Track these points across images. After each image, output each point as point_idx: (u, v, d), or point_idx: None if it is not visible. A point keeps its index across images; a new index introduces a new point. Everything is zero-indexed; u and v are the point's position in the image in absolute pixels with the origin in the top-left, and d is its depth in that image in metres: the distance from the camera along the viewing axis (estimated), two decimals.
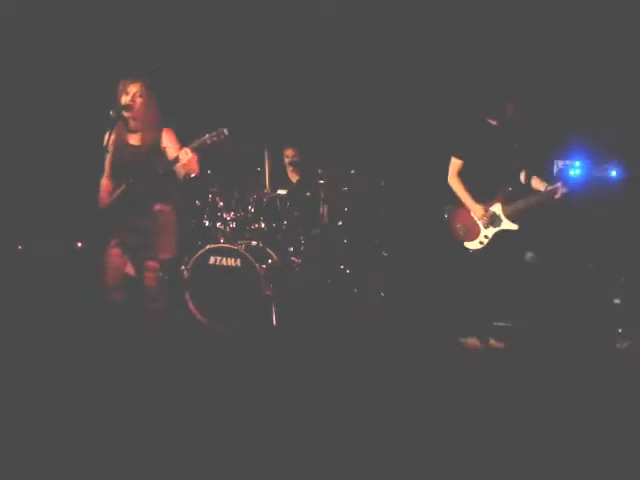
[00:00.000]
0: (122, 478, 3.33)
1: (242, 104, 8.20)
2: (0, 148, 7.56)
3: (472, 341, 5.76)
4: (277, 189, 7.19)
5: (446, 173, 5.88)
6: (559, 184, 5.42)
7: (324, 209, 7.16)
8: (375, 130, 7.91)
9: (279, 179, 7.54)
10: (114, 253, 4.81)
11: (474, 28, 7.40)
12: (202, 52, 8.00)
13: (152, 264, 4.80)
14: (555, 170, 6.47)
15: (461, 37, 7.50)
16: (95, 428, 3.79)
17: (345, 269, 7.10)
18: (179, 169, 4.71)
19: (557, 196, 5.40)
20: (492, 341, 5.68)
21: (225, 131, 4.62)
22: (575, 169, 6.11)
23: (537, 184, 5.69)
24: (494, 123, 5.63)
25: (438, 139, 7.55)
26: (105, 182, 4.87)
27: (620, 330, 6.17)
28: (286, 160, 7.60)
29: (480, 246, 5.68)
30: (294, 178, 7.67)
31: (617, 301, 6.29)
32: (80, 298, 6.04)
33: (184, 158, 4.57)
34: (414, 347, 5.87)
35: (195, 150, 4.59)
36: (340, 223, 7.28)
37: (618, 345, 5.95)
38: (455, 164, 5.74)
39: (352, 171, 7.19)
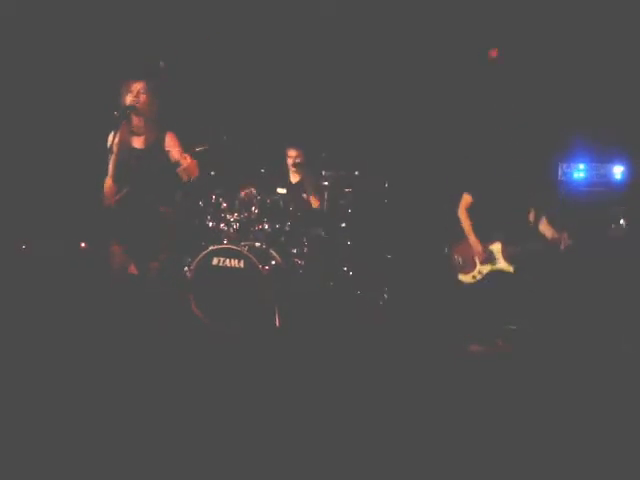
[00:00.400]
0: (127, 477, 3.32)
1: (246, 105, 8.22)
2: (4, 149, 7.57)
3: (475, 347, 5.77)
4: (276, 188, 7.19)
5: (450, 175, 5.94)
6: (565, 235, 5.53)
7: (327, 212, 7.14)
8: (379, 131, 7.91)
9: (279, 178, 7.52)
10: (117, 254, 4.82)
11: (478, 31, 7.42)
12: (206, 54, 8.01)
13: (153, 264, 4.83)
14: (560, 173, 6.47)
15: (465, 40, 7.51)
16: (99, 428, 3.78)
17: (348, 271, 7.09)
18: (181, 172, 4.73)
19: (562, 247, 5.52)
20: (499, 342, 5.67)
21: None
22: (579, 172, 6.12)
23: (545, 228, 5.79)
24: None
25: (442, 141, 7.59)
26: (109, 183, 4.89)
27: (624, 333, 6.15)
28: (289, 160, 7.56)
29: (472, 280, 5.89)
30: (295, 179, 7.65)
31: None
32: (83, 298, 6.03)
33: (184, 162, 4.62)
34: (417, 349, 5.86)
35: (194, 156, 4.66)
36: (343, 225, 7.26)
37: (624, 347, 5.94)
38: (465, 199, 6.02)
39: (356, 172, 7.17)
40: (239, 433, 3.83)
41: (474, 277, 5.86)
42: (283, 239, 6.84)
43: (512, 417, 4.23)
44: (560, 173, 6.47)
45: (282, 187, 7.27)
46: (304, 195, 7.31)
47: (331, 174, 7.09)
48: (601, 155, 6.52)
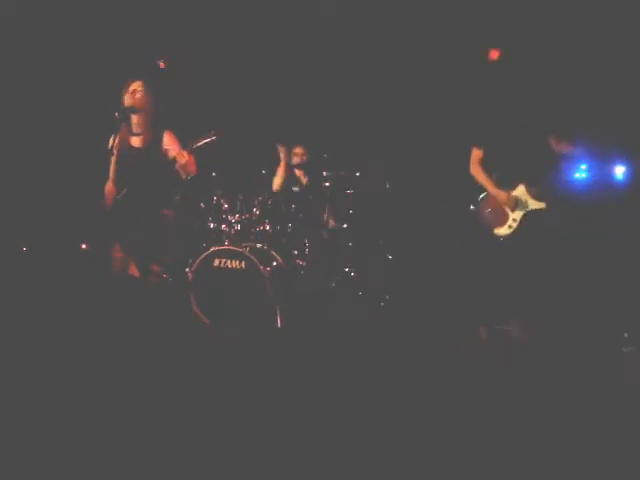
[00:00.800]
0: (125, 478, 3.32)
1: (247, 105, 8.22)
2: (5, 151, 7.57)
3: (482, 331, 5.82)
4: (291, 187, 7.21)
5: (451, 175, 5.91)
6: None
7: (328, 212, 7.13)
8: (380, 132, 7.91)
9: (288, 178, 7.50)
10: (118, 256, 4.82)
11: (478, 30, 7.41)
12: (206, 52, 8.02)
13: (154, 267, 4.81)
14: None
15: (466, 40, 7.50)
16: (99, 429, 3.78)
17: (350, 272, 7.08)
18: (180, 170, 4.74)
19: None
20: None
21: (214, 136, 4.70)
22: (581, 172, 6.10)
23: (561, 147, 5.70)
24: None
25: (444, 142, 7.58)
26: (109, 186, 4.89)
27: (626, 334, 6.15)
28: (295, 159, 7.53)
29: (509, 230, 5.71)
30: (302, 181, 7.64)
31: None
32: (84, 299, 6.03)
33: (181, 160, 4.61)
34: (418, 350, 5.85)
35: (191, 152, 4.64)
36: (345, 226, 7.26)
37: (624, 349, 5.94)
38: (475, 154, 5.85)
39: (357, 173, 7.17)
40: (240, 434, 3.82)
41: (510, 227, 5.70)
42: (284, 240, 6.84)
43: (517, 418, 4.23)
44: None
45: (288, 190, 7.27)
46: (310, 197, 7.29)
47: (332, 175, 7.09)
48: (603, 155, 6.51)
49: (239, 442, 3.72)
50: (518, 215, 5.66)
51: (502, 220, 5.74)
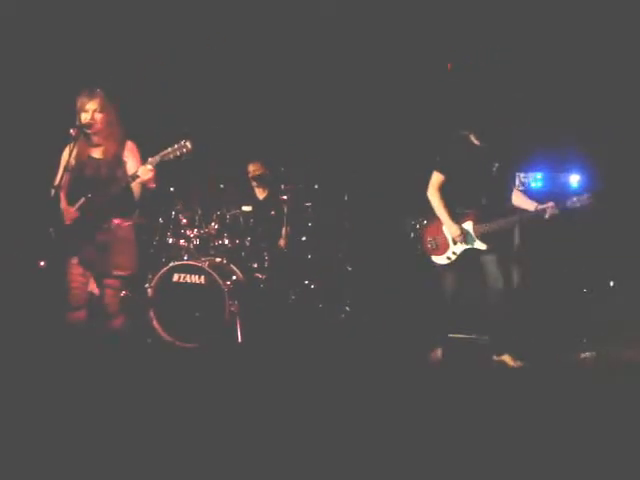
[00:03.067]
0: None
1: (206, 118, 8.20)
2: None
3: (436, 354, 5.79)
4: (241, 206, 7.18)
5: (408, 186, 5.93)
6: (551, 204, 5.38)
7: (287, 226, 7.14)
8: (338, 145, 7.94)
9: (244, 195, 7.52)
10: (76, 272, 4.72)
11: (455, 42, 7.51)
12: (165, 62, 7.98)
13: (111, 281, 4.71)
14: (517, 183, 6.56)
15: (440, 52, 7.61)
16: (62, 451, 3.72)
17: (310, 284, 7.09)
18: (136, 186, 4.64)
19: (547, 216, 5.38)
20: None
21: (188, 144, 4.58)
22: (537, 181, 6.22)
23: (522, 202, 5.67)
24: (477, 142, 5.58)
25: (403, 154, 7.66)
26: (64, 206, 4.73)
27: (585, 340, 6.26)
28: (249, 175, 7.54)
29: (447, 262, 5.67)
30: (261, 195, 7.63)
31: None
32: (44, 318, 5.93)
33: (145, 175, 4.52)
34: (380, 360, 5.87)
35: (156, 165, 4.55)
36: (304, 238, 7.28)
37: (582, 355, 6.03)
38: (437, 178, 5.67)
39: (315, 186, 7.20)
40: (202, 449, 3.79)
41: (449, 258, 5.64)
42: (243, 254, 6.84)
43: (479, 431, 4.26)
44: (517, 182, 6.53)
45: (247, 204, 7.25)
46: (272, 212, 7.29)
47: (290, 188, 7.11)
48: (558, 164, 6.63)
49: (202, 458, 3.69)
50: (459, 249, 5.62)
51: (442, 249, 5.68)
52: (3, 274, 7.27)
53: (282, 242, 7.11)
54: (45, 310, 5.92)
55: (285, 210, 7.12)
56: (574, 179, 6.88)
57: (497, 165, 5.58)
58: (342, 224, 7.56)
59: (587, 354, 6.01)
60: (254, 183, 7.59)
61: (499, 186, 5.68)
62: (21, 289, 6.91)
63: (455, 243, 5.61)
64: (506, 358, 5.57)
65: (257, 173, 7.47)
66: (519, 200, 5.70)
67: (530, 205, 5.55)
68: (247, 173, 7.56)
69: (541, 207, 5.42)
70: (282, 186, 7.15)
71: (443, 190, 5.64)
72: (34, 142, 7.12)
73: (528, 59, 7.28)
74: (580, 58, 7.15)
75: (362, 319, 7.26)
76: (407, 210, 6.63)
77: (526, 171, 6.59)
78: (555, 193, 6.55)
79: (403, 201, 7.30)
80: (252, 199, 7.50)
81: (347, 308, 7.27)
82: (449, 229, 5.61)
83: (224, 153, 8.01)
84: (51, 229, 4.58)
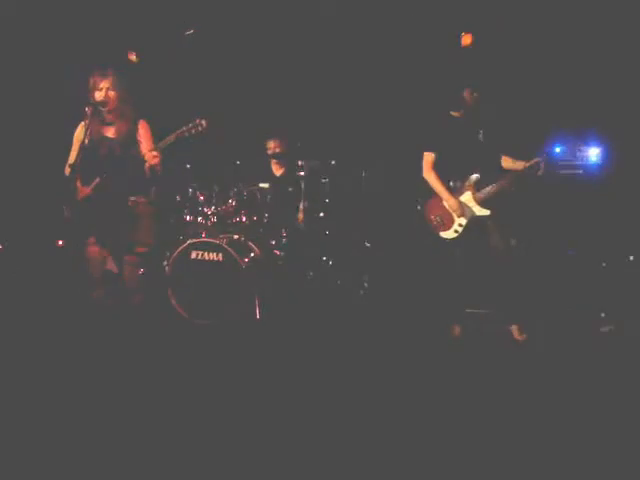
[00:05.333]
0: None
1: (221, 96, 8.18)
2: None
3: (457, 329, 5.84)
4: (259, 182, 7.16)
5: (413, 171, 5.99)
6: (539, 159, 5.56)
7: (304, 201, 7.11)
8: (355, 121, 7.90)
9: (261, 171, 7.50)
10: (93, 250, 4.73)
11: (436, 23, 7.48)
12: (178, 43, 7.97)
13: (130, 258, 4.72)
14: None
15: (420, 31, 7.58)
16: (82, 425, 3.75)
17: (327, 261, 7.08)
18: (147, 169, 4.64)
19: (539, 172, 5.56)
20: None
21: (203, 122, 4.57)
22: (554, 154, 6.13)
23: (512, 164, 5.84)
24: (457, 114, 5.84)
25: (420, 130, 7.63)
26: (79, 185, 4.73)
27: (603, 314, 6.23)
28: (269, 152, 7.51)
29: (455, 235, 5.78)
30: (278, 171, 7.61)
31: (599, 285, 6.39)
32: (64, 296, 5.97)
33: (151, 160, 4.54)
34: (399, 337, 5.88)
35: (171, 144, 4.55)
36: (322, 215, 7.25)
37: (601, 329, 6.01)
38: (428, 158, 5.87)
39: (333, 162, 7.16)
40: (222, 426, 3.81)
41: (456, 231, 5.76)
42: (261, 231, 6.83)
43: (495, 402, 4.26)
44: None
45: (265, 181, 7.23)
46: (290, 189, 7.27)
47: (307, 164, 7.07)
48: (578, 137, 6.56)
49: (221, 436, 3.71)
50: (464, 221, 5.73)
51: (448, 224, 5.79)
52: (23, 253, 7.34)
53: (300, 216, 7.08)
54: (64, 288, 5.97)
55: (302, 186, 7.09)
56: (594, 152, 6.79)
57: (481, 132, 5.82)
58: (360, 200, 7.51)
59: (606, 328, 6.00)
60: (273, 160, 7.56)
61: (489, 153, 5.86)
62: (40, 268, 6.97)
63: (459, 216, 5.74)
64: (514, 329, 5.71)
65: (277, 150, 7.43)
66: (507, 163, 5.88)
67: (519, 165, 5.73)
68: (266, 150, 7.52)
69: (529, 163, 5.60)
70: (299, 162, 7.11)
71: (437, 168, 5.84)
72: (47, 120, 7.15)
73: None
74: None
75: (380, 295, 7.27)
76: (421, 186, 6.59)
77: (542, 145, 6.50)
78: (574, 166, 6.54)
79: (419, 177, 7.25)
80: (269, 176, 7.48)
81: (365, 284, 7.25)
82: (449, 203, 5.76)
83: (240, 129, 8.00)
84: (65, 208, 4.57)
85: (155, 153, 4.54)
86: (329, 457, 3.41)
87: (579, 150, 6.69)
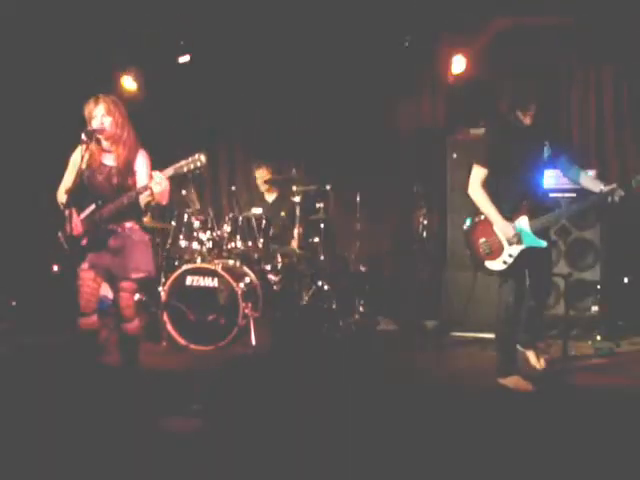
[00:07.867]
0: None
1: (216, 123, 8.25)
2: None
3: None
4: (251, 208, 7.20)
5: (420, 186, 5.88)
6: (615, 185, 4.68)
7: (299, 227, 7.12)
8: (350, 145, 7.95)
9: (254, 197, 7.58)
10: (87, 277, 4.68)
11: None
12: (175, 71, 8.03)
13: (126, 285, 4.67)
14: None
15: None
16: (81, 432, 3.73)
17: (323, 285, 7.08)
18: (144, 197, 4.53)
19: (616, 199, 4.65)
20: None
21: (202, 157, 4.45)
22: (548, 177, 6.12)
23: (590, 184, 4.93)
24: (527, 121, 4.80)
25: (413, 154, 7.68)
26: (71, 212, 4.63)
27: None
28: (258, 181, 7.60)
29: (504, 266, 4.84)
30: (270, 197, 7.66)
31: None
32: (60, 323, 5.93)
33: (157, 188, 4.39)
34: (398, 360, 5.88)
35: (170, 178, 4.46)
36: (316, 240, 7.26)
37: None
38: (479, 173, 4.87)
39: (327, 187, 7.18)
40: (216, 453, 3.79)
41: (505, 262, 4.80)
42: (256, 256, 6.85)
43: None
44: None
45: (257, 206, 7.28)
46: (282, 213, 7.30)
47: (302, 189, 7.08)
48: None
49: (218, 463, 3.69)
50: (515, 250, 4.80)
51: (497, 253, 4.86)
52: (19, 278, 7.32)
53: (294, 244, 7.09)
54: (59, 315, 5.95)
55: (297, 212, 7.10)
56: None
57: (548, 145, 4.87)
58: (354, 224, 7.52)
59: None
60: (263, 187, 7.63)
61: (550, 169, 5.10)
62: (35, 293, 6.96)
63: (510, 244, 4.80)
64: (530, 354, 5.27)
65: (265, 178, 7.51)
66: (587, 181, 4.95)
67: (596, 186, 4.82)
68: (254, 179, 7.63)
69: (607, 188, 4.70)
70: (294, 188, 7.13)
71: (487, 185, 4.87)
72: (45, 144, 7.15)
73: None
74: None
75: (376, 320, 7.28)
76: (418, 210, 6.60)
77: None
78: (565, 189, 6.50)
79: (415, 201, 7.29)
80: (262, 201, 7.54)
81: (361, 309, 7.26)
82: (502, 229, 4.80)
83: (234, 157, 8.07)
84: (59, 233, 4.55)
85: (163, 177, 4.39)
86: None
87: None
